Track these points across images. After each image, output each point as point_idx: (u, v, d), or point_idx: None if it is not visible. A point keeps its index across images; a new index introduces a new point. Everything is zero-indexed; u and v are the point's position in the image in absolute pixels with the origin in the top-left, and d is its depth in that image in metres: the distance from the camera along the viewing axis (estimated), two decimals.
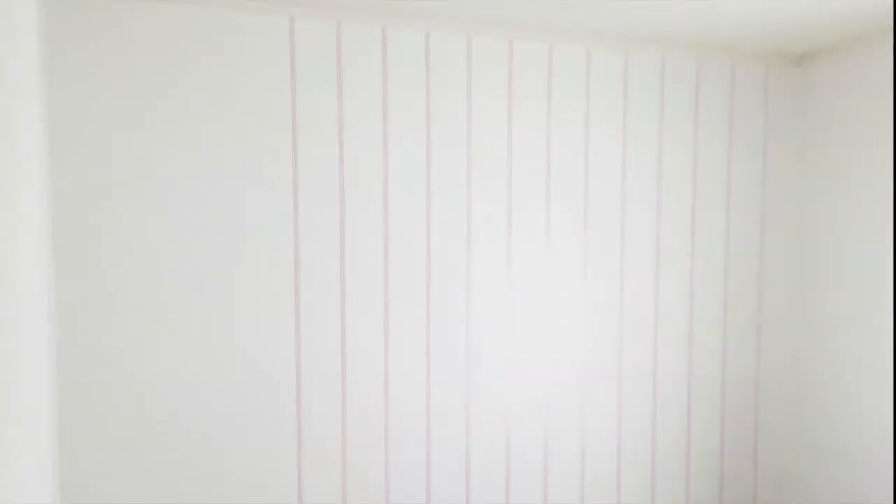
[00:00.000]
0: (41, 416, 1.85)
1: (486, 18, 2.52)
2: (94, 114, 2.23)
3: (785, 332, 3.05)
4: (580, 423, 2.79)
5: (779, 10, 2.45)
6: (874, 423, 2.67)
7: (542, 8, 2.42)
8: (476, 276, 2.63)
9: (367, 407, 2.53)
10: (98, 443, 2.26)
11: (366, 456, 2.53)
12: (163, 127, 2.28)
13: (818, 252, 2.94)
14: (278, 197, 2.41)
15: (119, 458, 2.27)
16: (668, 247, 2.88)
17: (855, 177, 2.77)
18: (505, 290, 2.67)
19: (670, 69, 2.85)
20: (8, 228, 1.49)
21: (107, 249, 2.25)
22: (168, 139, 2.29)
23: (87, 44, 2.21)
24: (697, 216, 2.92)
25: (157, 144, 2.28)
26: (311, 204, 2.44)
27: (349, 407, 2.50)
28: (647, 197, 2.85)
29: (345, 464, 2.50)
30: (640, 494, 2.87)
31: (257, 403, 2.41)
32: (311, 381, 2.46)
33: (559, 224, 2.74)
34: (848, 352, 2.79)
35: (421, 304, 2.58)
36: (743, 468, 3.01)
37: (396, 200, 2.54)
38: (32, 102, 1.87)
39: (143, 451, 2.29)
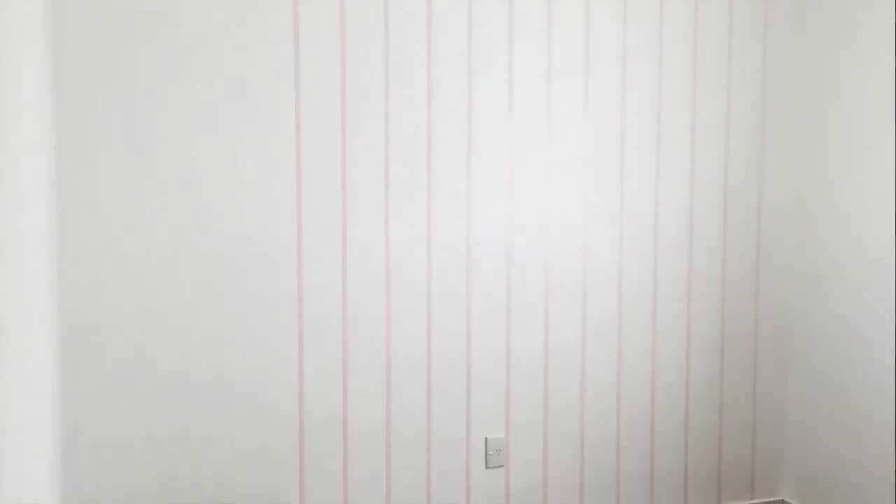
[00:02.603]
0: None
1: None
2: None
3: (787, 172, 3.01)
4: (581, 265, 2.76)
5: None
6: (874, 257, 2.67)
7: None
8: (477, 116, 2.60)
9: (368, 250, 2.50)
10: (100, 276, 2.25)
11: (366, 299, 2.51)
12: None
13: (819, 88, 2.92)
14: (279, 52, 2.38)
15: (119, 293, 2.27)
16: (671, 89, 2.85)
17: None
18: (506, 132, 2.64)
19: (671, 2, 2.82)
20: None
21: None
22: None
23: None
24: (699, 64, 2.90)
25: None
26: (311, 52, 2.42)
27: (350, 251, 2.47)
28: (649, 51, 2.82)
29: (345, 307, 2.49)
30: (642, 326, 2.88)
31: (257, 251, 2.38)
32: (311, 226, 2.43)
33: (561, 66, 2.70)
34: (850, 192, 2.78)
35: (422, 146, 2.55)
36: (745, 309, 3.01)
37: (396, 47, 2.51)
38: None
39: (142, 285, 2.28)
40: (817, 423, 2.91)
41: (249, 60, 2.35)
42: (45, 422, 1.85)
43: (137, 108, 2.24)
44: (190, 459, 2.33)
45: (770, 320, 3.04)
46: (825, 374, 2.87)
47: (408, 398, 2.58)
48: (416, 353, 2.59)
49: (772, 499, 3.07)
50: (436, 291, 2.60)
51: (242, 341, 2.38)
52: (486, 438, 2.67)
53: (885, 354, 2.61)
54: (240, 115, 2.35)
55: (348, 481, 2.51)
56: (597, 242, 2.79)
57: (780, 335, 3.06)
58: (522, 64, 2.66)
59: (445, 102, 2.58)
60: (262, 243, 2.39)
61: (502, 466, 2.70)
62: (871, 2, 2.68)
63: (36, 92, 1.78)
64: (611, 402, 2.84)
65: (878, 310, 2.65)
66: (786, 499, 3.05)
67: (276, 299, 2.41)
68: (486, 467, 2.68)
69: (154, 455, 2.29)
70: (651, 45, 2.82)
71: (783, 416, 3.08)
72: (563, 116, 2.72)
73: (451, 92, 2.58)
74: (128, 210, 2.25)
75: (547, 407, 2.75)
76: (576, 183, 2.75)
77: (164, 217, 2.29)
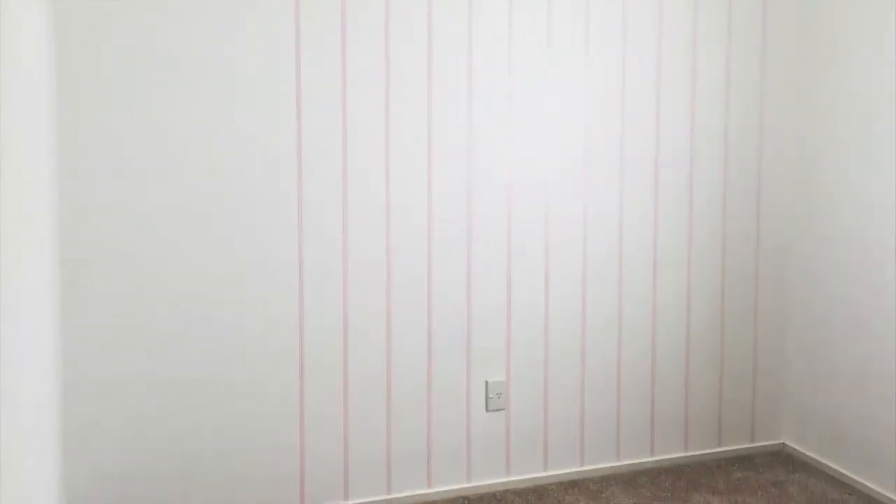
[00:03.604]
0: None
1: None
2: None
3: (788, 114, 2.98)
4: (582, 210, 2.75)
5: None
6: (874, 201, 2.64)
7: None
8: (477, 58, 2.58)
9: (368, 188, 2.49)
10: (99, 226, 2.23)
11: (366, 240, 2.50)
12: None
13: (820, 38, 2.87)
14: None
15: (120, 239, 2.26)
16: (671, 32, 2.81)
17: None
18: (506, 74, 2.61)
19: None
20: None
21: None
22: None
23: None
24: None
25: None
26: None
27: (350, 190, 2.46)
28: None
29: (345, 244, 2.48)
30: (642, 270, 2.86)
31: (258, 185, 2.38)
32: (311, 160, 2.42)
33: (561, 8, 2.67)
34: (850, 133, 2.73)
35: (422, 85, 2.52)
36: (745, 249, 3.00)
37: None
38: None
39: (142, 226, 2.27)
40: (818, 368, 2.90)
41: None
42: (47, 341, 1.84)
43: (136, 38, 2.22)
44: (188, 403, 2.34)
45: (770, 262, 3.03)
46: (826, 318, 2.86)
47: (408, 343, 2.58)
48: (417, 296, 2.59)
49: (772, 442, 3.08)
50: (436, 236, 2.59)
51: (243, 287, 2.37)
52: (486, 382, 2.67)
53: (887, 297, 2.59)
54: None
55: (349, 426, 2.52)
56: (597, 187, 2.77)
57: (781, 277, 3.05)
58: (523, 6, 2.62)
59: (445, 43, 2.54)
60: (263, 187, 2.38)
61: (503, 409, 2.71)
62: None
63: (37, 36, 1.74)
64: (612, 345, 2.84)
65: (879, 253, 2.62)
66: (787, 442, 3.06)
67: (276, 243, 2.40)
68: (487, 410, 2.68)
69: (154, 397, 2.30)
70: None
71: (784, 360, 3.07)
72: (564, 56, 2.68)
73: (452, 40, 2.55)
74: (129, 152, 2.23)
75: (547, 350, 2.75)
76: (576, 126, 2.72)
77: (166, 161, 2.27)
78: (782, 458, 2.99)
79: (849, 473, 2.75)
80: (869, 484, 2.67)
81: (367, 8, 2.44)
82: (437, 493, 2.64)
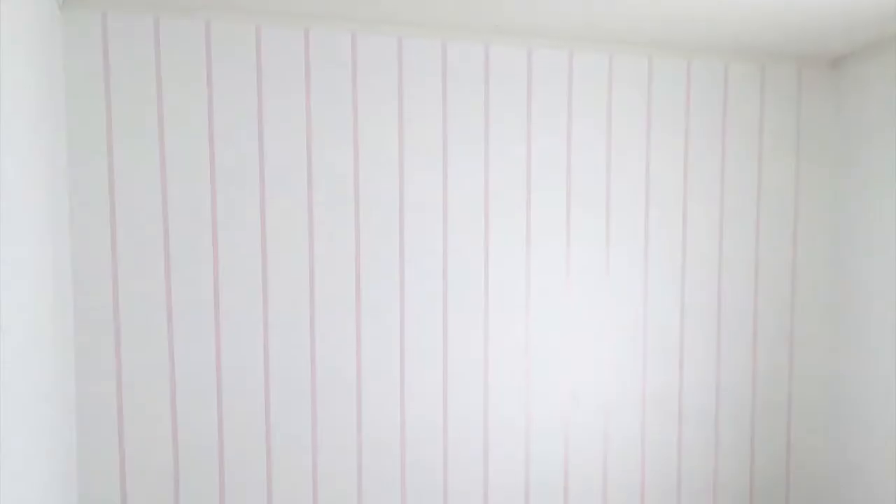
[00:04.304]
0: None
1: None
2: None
3: (819, 349, 2.90)
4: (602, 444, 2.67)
5: (812, 9, 2.33)
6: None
7: (564, 16, 2.34)
8: (494, 289, 2.61)
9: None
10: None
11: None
12: None
13: (854, 259, 2.78)
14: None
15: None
16: (694, 255, 2.76)
17: (891, 182, 2.61)
18: (524, 300, 2.62)
19: (697, 74, 2.73)
20: None
21: None
22: None
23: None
24: (726, 227, 2.80)
25: None
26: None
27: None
28: (673, 206, 2.73)
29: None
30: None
31: None
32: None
33: (580, 227, 2.69)
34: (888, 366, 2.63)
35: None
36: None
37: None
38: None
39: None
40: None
41: None
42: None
43: None
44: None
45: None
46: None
47: None
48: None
49: None
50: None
51: None
52: None
53: None
54: None
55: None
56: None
57: None
58: None
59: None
60: None
61: None
62: None
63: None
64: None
65: None
66: None
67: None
68: None
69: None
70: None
71: None
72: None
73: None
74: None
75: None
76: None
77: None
78: None
79: None
80: None
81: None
82: None
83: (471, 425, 2.58)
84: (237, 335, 2.39)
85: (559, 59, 2.60)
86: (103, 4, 2.20)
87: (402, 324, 2.49)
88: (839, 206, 2.88)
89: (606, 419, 2.69)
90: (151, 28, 2.24)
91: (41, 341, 1.77)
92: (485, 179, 2.56)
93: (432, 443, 2.54)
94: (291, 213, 2.40)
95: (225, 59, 2.31)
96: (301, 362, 2.42)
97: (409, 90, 2.50)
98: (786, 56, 2.79)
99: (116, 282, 2.28)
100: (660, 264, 2.73)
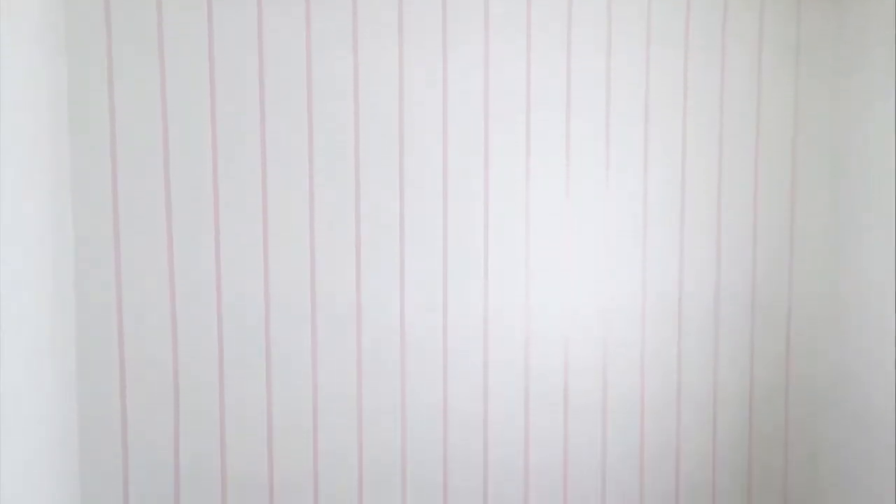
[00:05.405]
0: None
1: None
2: None
3: (819, 256, 2.97)
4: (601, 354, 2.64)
5: None
6: None
7: None
8: (493, 194, 2.54)
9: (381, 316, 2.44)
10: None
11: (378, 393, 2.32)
12: None
13: (853, 168, 2.83)
14: None
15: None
16: (693, 167, 2.74)
17: (892, 98, 2.63)
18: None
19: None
20: None
21: None
22: None
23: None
24: (725, 140, 2.76)
25: None
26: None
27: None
28: (672, 119, 2.67)
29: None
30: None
31: None
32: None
33: (579, 145, 2.61)
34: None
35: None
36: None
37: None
38: None
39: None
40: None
41: None
42: None
43: None
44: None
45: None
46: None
47: None
48: None
49: None
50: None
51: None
52: None
53: None
54: None
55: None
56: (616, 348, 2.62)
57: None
58: None
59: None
60: None
61: None
62: None
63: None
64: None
65: None
66: None
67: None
68: None
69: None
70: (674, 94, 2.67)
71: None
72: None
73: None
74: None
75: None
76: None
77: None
78: None
79: None
80: None
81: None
82: None
83: (470, 336, 2.54)
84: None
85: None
86: None
87: (402, 239, 2.44)
88: (839, 119, 2.89)
89: (607, 329, 2.65)
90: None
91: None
92: (484, 97, 2.48)
93: (432, 352, 2.50)
94: (291, 136, 2.33)
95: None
96: (301, 292, 2.37)
97: (409, 7, 2.40)
98: None
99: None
100: (660, 175, 2.68)
